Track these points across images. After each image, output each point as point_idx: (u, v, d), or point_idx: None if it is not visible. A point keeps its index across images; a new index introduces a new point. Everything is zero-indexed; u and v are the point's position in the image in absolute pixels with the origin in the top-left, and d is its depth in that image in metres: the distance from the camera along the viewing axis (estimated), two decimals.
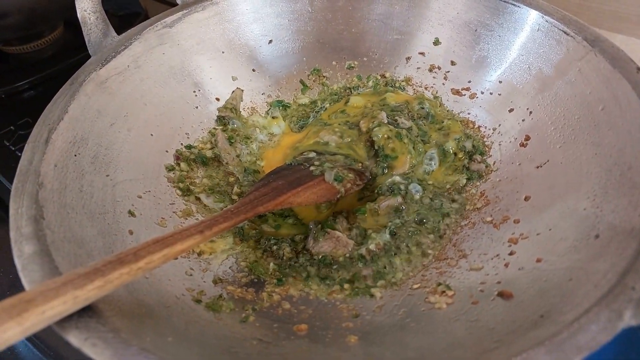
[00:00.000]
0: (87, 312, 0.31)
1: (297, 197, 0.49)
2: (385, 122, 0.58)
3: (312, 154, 0.58)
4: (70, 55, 0.77)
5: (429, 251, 0.48)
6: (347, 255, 0.48)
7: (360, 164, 0.57)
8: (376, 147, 0.56)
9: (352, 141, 0.58)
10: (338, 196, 0.51)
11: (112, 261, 0.32)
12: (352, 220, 0.52)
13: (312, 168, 0.53)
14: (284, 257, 0.49)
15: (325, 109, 0.65)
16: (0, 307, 0.27)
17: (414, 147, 0.56)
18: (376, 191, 0.54)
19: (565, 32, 0.52)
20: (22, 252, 0.34)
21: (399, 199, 0.52)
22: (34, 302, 0.27)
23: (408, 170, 0.55)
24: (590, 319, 0.29)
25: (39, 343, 0.47)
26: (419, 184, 0.54)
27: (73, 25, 0.82)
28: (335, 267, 0.47)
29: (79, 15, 0.54)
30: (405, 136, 0.56)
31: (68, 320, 0.30)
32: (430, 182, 0.55)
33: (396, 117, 0.59)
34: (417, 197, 0.53)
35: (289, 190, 0.49)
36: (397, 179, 0.54)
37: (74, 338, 0.30)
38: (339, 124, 0.61)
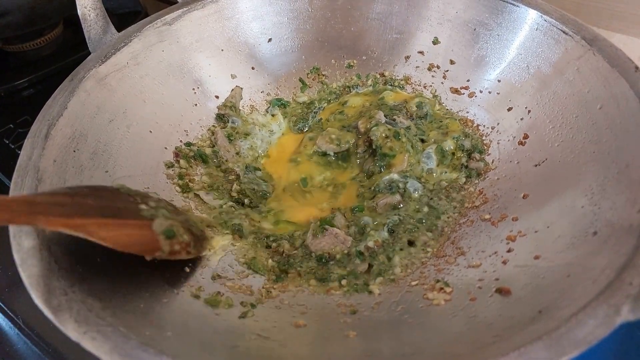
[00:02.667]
0: (86, 306, 0.31)
1: (103, 230, 0.35)
2: (383, 121, 0.58)
3: None
4: (69, 53, 0.78)
5: (428, 248, 0.48)
6: (345, 252, 0.48)
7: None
8: (374, 147, 0.57)
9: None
10: (156, 255, 0.38)
11: None
12: (350, 217, 0.52)
13: (142, 206, 0.41)
14: (283, 254, 0.49)
15: (323, 108, 0.65)
16: None
17: (412, 146, 0.56)
18: (373, 188, 0.54)
19: (563, 32, 0.52)
20: (21, 246, 0.34)
21: (398, 197, 0.52)
22: None
23: (407, 168, 0.55)
24: (588, 314, 0.29)
25: (38, 340, 0.46)
26: (418, 182, 0.54)
27: (72, 23, 0.82)
28: (332, 263, 0.48)
29: (79, 12, 0.54)
30: (403, 135, 0.56)
31: (67, 313, 0.31)
32: (428, 181, 0.55)
33: (394, 117, 0.60)
34: (415, 195, 0.53)
35: (96, 216, 0.36)
36: (396, 177, 0.54)
37: (73, 332, 0.30)
38: (337, 128, 0.61)
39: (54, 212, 0.33)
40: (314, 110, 0.65)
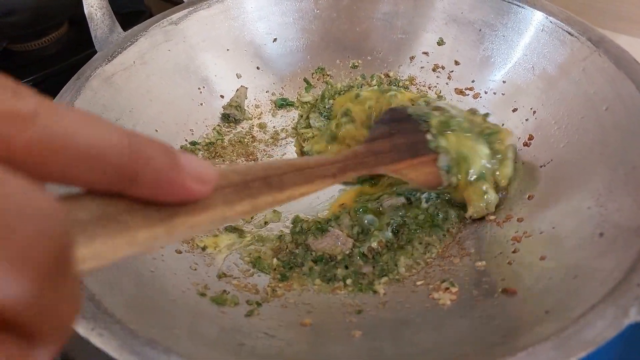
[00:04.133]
0: (94, 302, 0.31)
1: (412, 171, 0.44)
2: None
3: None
4: (74, 52, 0.77)
5: (432, 249, 0.48)
6: (347, 252, 0.48)
7: None
8: None
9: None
10: (437, 189, 0.46)
11: (260, 179, 0.25)
12: (355, 217, 0.52)
13: (429, 137, 0.47)
14: (287, 249, 0.49)
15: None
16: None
17: None
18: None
19: (569, 33, 0.52)
20: None
21: (402, 199, 0.52)
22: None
23: None
24: (596, 315, 0.29)
25: None
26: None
27: (78, 23, 0.82)
28: (332, 263, 0.47)
29: (85, 11, 0.55)
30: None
31: None
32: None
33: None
34: (424, 205, 0.51)
35: (409, 157, 0.44)
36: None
37: (81, 328, 0.30)
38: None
39: (385, 161, 0.42)
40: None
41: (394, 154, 0.43)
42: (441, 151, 0.46)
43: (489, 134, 0.50)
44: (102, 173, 0.16)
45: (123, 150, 0.17)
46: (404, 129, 0.47)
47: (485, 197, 0.47)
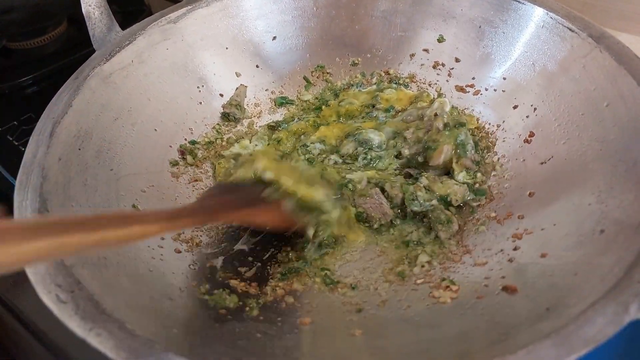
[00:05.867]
0: (92, 303, 0.31)
1: (257, 217, 0.46)
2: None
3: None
4: (73, 51, 0.77)
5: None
6: (382, 222, 0.50)
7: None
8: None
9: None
10: (295, 228, 0.47)
11: (72, 223, 0.28)
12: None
13: (264, 194, 0.47)
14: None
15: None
16: None
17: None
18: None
19: (570, 29, 0.51)
20: None
21: None
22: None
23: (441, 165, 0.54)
24: (597, 312, 0.29)
25: (43, 337, 0.46)
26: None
27: (77, 21, 0.82)
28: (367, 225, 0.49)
29: (83, 10, 0.54)
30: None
31: (72, 310, 0.30)
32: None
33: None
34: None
35: (247, 207, 0.45)
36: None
37: (78, 328, 0.30)
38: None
39: (224, 209, 0.42)
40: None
41: (231, 204, 0.44)
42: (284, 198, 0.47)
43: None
44: None
45: None
46: (236, 191, 0.48)
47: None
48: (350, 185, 0.53)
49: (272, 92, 0.66)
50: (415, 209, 0.50)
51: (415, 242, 0.48)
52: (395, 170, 0.56)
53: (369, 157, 0.56)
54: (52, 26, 0.78)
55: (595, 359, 0.28)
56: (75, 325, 0.30)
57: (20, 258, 0.25)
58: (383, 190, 0.52)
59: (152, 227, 0.33)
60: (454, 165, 0.53)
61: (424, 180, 0.52)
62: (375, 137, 0.57)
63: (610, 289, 0.31)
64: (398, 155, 0.57)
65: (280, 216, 0.46)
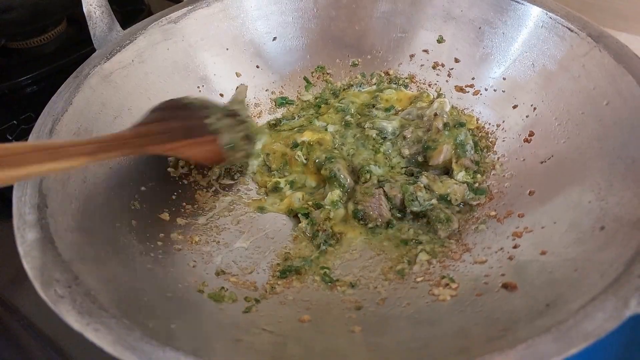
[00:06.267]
0: (89, 298, 0.31)
1: (187, 150, 0.46)
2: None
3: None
4: (73, 50, 0.77)
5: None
6: (378, 224, 0.50)
7: None
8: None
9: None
10: (224, 163, 0.51)
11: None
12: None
13: (208, 121, 0.49)
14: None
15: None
16: None
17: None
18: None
19: (569, 29, 0.52)
20: (25, 239, 0.34)
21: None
22: None
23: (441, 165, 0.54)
24: (597, 307, 0.29)
25: (40, 334, 0.46)
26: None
27: (76, 20, 0.82)
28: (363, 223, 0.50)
29: (84, 9, 0.55)
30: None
31: (69, 305, 0.30)
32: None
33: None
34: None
35: (183, 138, 0.46)
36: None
37: (76, 323, 0.30)
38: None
39: (157, 141, 0.43)
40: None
41: (166, 135, 0.45)
42: (222, 131, 0.49)
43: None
44: None
45: None
46: (181, 115, 0.48)
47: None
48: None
49: (272, 93, 0.66)
50: (415, 209, 0.50)
51: (414, 241, 0.48)
52: (402, 168, 0.56)
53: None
54: (51, 26, 0.79)
55: (597, 353, 0.28)
56: (72, 320, 0.30)
57: None
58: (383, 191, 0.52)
59: (83, 158, 0.35)
60: (453, 165, 0.53)
61: (424, 180, 0.52)
62: (389, 125, 0.58)
63: (610, 284, 0.30)
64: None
65: (212, 151, 0.48)
